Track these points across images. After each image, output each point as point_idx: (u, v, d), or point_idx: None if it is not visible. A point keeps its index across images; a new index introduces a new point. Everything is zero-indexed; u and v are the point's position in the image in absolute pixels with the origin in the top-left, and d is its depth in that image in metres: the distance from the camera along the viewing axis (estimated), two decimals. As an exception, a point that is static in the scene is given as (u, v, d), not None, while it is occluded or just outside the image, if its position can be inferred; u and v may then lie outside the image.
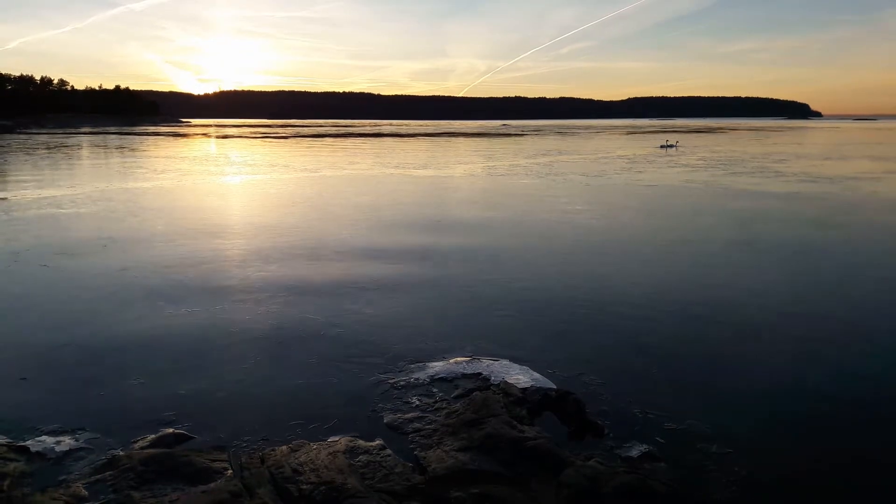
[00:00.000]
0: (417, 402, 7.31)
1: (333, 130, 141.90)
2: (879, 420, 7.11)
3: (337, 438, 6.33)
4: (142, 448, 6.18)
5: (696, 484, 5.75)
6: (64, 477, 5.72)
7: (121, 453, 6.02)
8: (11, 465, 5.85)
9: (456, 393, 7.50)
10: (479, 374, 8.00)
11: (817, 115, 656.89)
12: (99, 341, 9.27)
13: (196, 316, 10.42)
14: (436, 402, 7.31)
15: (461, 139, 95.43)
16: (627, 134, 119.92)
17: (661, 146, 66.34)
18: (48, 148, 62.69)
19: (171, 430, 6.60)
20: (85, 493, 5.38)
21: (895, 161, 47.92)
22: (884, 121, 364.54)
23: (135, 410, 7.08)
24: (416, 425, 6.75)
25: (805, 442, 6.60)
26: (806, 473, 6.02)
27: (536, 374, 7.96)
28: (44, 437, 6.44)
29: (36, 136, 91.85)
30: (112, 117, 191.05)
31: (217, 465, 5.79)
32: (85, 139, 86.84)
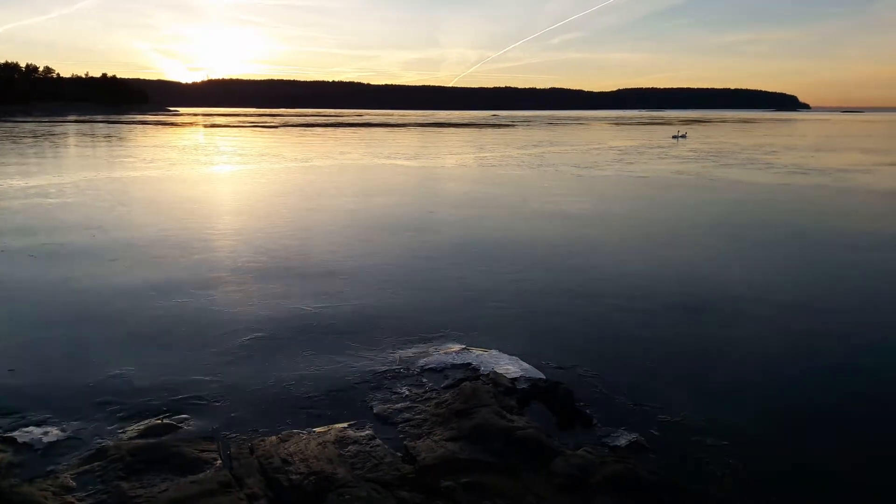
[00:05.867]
0: (407, 392, 7.31)
1: (323, 120, 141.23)
2: (875, 413, 7.15)
3: (326, 428, 6.33)
4: (130, 438, 6.15)
5: (689, 475, 5.77)
6: (52, 468, 5.68)
7: (109, 444, 5.99)
8: (-2, 456, 5.82)
9: (446, 383, 7.51)
10: (469, 364, 8.01)
11: (805, 107, 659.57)
12: (87, 332, 9.21)
13: (185, 306, 10.36)
14: (425, 392, 7.31)
15: (452, 129, 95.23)
16: (618, 125, 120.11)
17: (673, 136, 68.79)
18: (34, 136, 62.03)
19: (159, 421, 6.57)
20: (73, 483, 5.35)
21: (884, 153, 48.26)
22: (870, 113, 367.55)
23: (123, 401, 7.04)
24: (406, 415, 6.75)
25: (801, 435, 6.63)
26: (802, 467, 6.04)
27: (526, 365, 7.98)
28: (31, 428, 6.39)
29: (22, 125, 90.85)
30: (99, 106, 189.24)
31: (206, 455, 5.77)
32: (72, 128, 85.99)
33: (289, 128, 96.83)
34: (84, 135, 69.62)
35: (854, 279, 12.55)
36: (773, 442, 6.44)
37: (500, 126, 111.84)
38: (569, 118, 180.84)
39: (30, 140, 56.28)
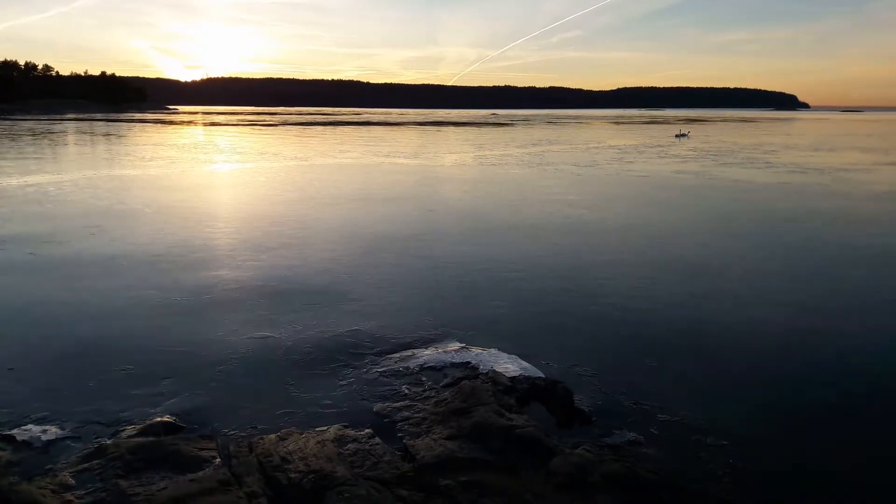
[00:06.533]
0: (406, 391, 7.32)
1: (322, 118, 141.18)
2: (874, 412, 7.15)
3: (326, 427, 6.33)
4: (129, 437, 6.15)
5: (688, 474, 5.77)
6: (51, 466, 5.69)
7: (108, 442, 5.99)
8: (-3, 454, 5.81)
9: (445, 382, 7.51)
10: (468, 362, 8.02)
11: (805, 106, 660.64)
12: (87, 330, 9.21)
13: (185, 305, 10.36)
14: (425, 390, 7.32)
15: (451, 128, 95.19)
16: (617, 124, 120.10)
17: (676, 135, 71.05)
18: (33, 134, 61.98)
19: (159, 419, 6.57)
20: (72, 482, 5.35)
21: (883, 152, 48.27)
22: (869, 112, 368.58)
23: (123, 399, 7.04)
24: (405, 414, 6.75)
25: (800, 434, 6.63)
26: (801, 466, 6.04)
27: (525, 363, 7.98)
28: (30, 426, 6.39)
29: (21, 123, 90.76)
30: (98, 104, 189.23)
31: (205, 453, 5.77)
32: (71, 126, 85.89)
33: (288, 126, 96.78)
34: (83, 133, 69.55)
35: (853, 279, 12.55)
36: (772, 441, 6.45)
37: (499, 125, 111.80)
38: (568, 117, 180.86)
39: (29, 138, 56.21)
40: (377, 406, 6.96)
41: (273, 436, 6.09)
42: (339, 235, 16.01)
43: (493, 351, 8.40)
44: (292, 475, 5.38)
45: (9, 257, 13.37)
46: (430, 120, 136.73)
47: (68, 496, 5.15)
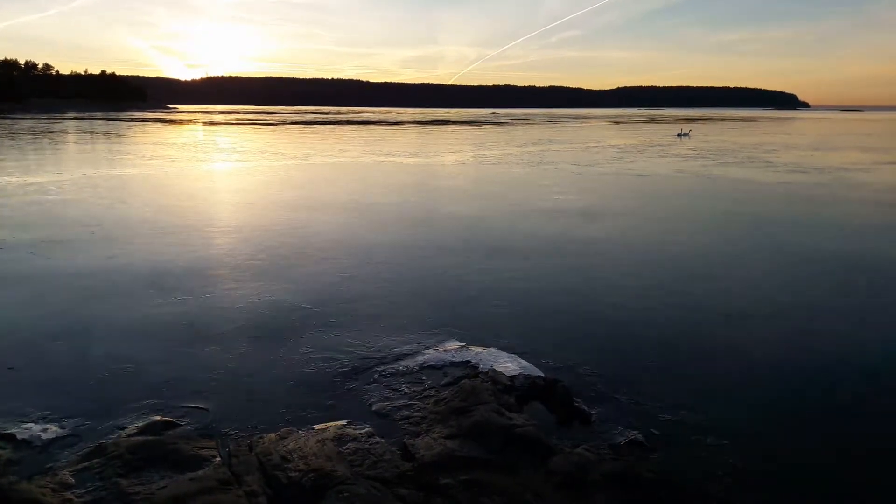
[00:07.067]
0: (406, 390, 7.32)
1: (322, 118, 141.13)
2: (875, 412, 7.14)
3: (325, 426, 6.33)
4: (129, 436, 6.15)
5: (688, 474, 5.76)
6: (51, 464, 5.69)
7: (108, 441, 5.99)
8: (-3, 453, 5.81)
9: (445, 381, 7.52)
10: (468, 361, 8.02)
11: (805, 105, 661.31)
12: (86, 329, 9.21)
13: (185, 304, 10.36)
14: (424, 389, 7.32)
15: (451, 127, 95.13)
16: (617, 123, 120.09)
17: (678, 134, 71.30)
18: (33, 133, 61.96)
19: (159, 418, 6.57)
20: (72, 480, 5.35)
21: (883, 152, 48.26)
22: (869, 112, 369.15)
23: (122, 398, 7.04)
24: (405, 413, 6.76)
25: (801, 434, 6.62)
26: (801, 466, 6.03)
27: (525, 363, 7.98)
28: (30, 425, 6.39)
29: (21, 122, 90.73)
30: (98, 103, 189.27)
31: (205, 452, 5.77)
32: (71, 125, 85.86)
33: (288, 125, 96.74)
34: (83, 132, 69.52)
35: (854, 279, 12.54)
36: (772, 441, 6.45)
37: (499, 124, 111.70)
38: (568, 116, 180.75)
39: (29, 137, 56.20)
40: (377, 405, 6.97)
41: (273, 435, 6.09)
42: (339, 235, 16.00)
43: (492, 350, 8.40)
44: (292, 474, 5.38)
45: (8, 256, 13.36)
46: (430, 119, 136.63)
47: (68, 495, 5.16)
